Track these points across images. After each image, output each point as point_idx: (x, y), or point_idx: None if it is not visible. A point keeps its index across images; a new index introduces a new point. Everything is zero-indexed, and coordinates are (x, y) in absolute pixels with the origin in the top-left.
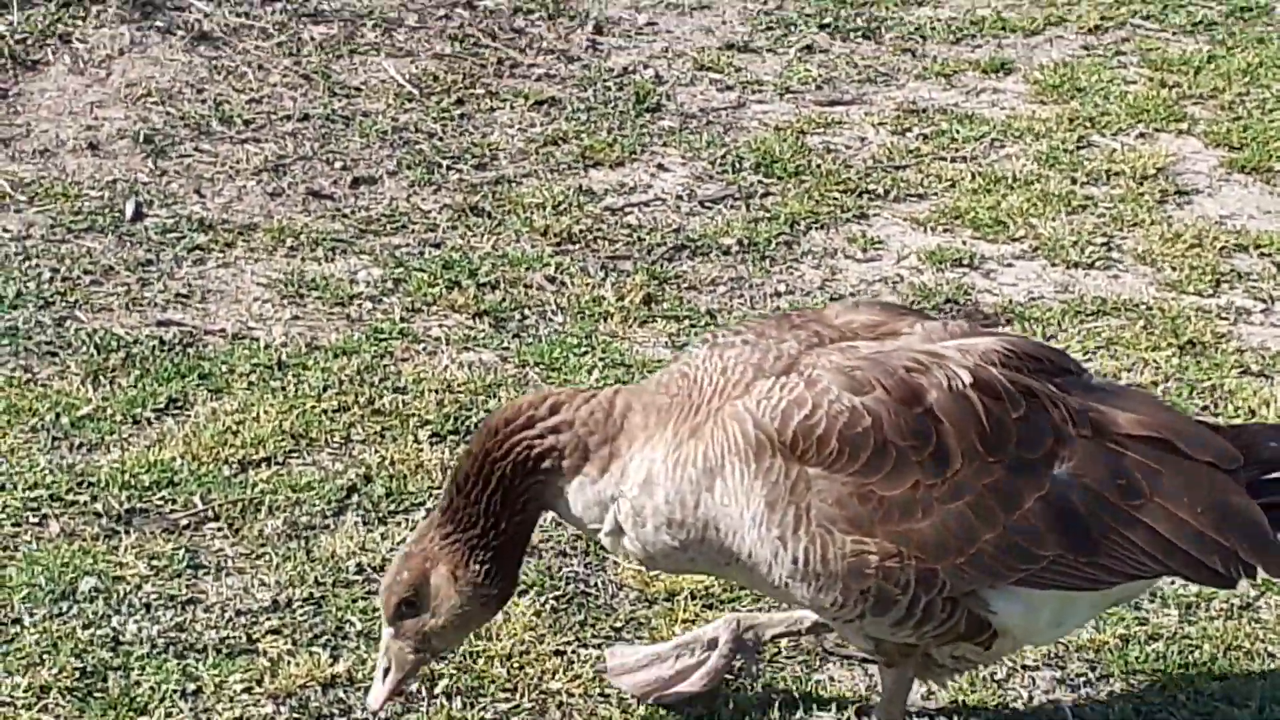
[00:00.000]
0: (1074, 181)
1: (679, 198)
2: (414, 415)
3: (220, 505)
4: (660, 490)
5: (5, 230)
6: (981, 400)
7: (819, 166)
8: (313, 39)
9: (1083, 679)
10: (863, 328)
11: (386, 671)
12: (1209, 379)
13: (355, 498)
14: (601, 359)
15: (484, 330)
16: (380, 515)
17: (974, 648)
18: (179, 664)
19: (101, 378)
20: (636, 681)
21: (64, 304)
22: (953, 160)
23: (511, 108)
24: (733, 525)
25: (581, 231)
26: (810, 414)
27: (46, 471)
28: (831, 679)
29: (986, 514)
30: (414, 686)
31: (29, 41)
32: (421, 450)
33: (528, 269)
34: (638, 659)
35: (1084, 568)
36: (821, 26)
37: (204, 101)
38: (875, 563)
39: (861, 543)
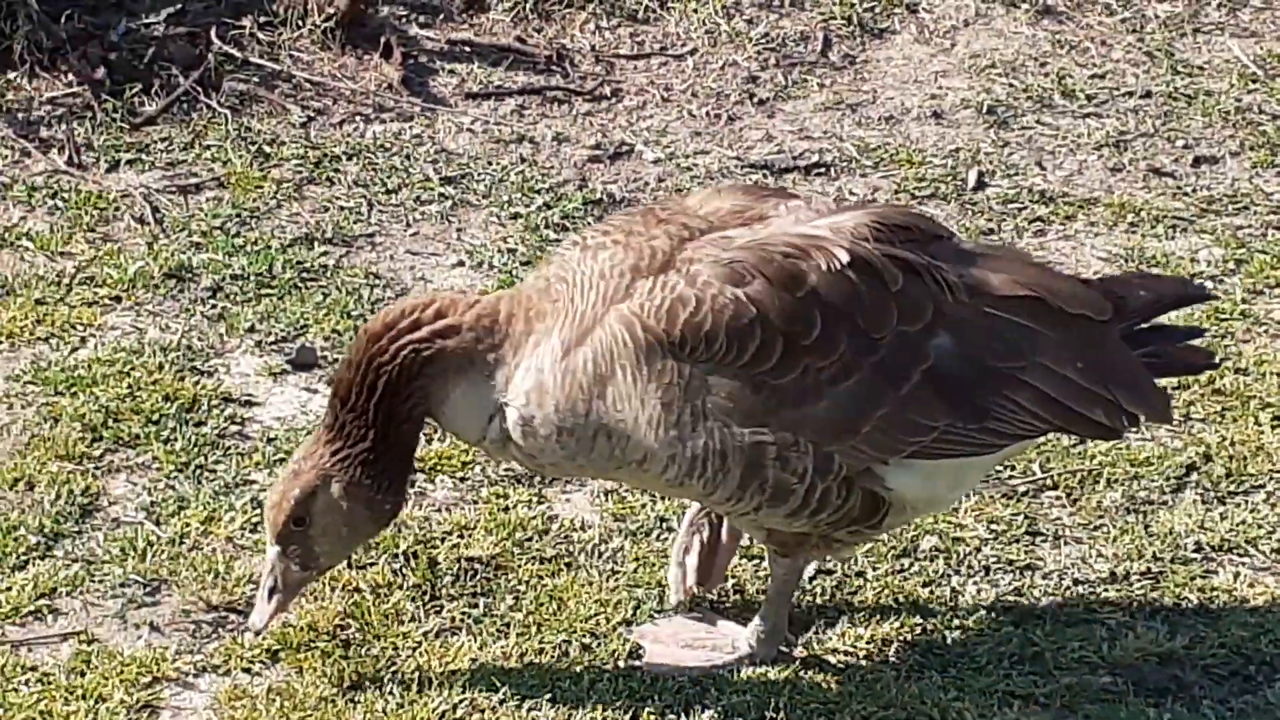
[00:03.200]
0: None
1: None
2: (1255, 397)
3: (1059, 475)
4: (550, 399)
5: (852, 193)
6: (861, 278)
7: None
8: (1156, 16)
9: None
10: (729, 215)
11: (272, 591)
12: None
13: (1194, 475)
14: None
15: None
16: (1219, 495)
17: (870, 527)
18: (1016, 629)
19: None
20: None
21: None
22: None
23: None
24: (627, 430)
25: None
26: (695, 311)
27: None
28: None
29: (875, 391)
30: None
31: (877, 10)
32: (1263, 433)
33: None
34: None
35: (975, 434)
36: None
37: (1046, 75)
38: (774, 453)
39: (759, 433)
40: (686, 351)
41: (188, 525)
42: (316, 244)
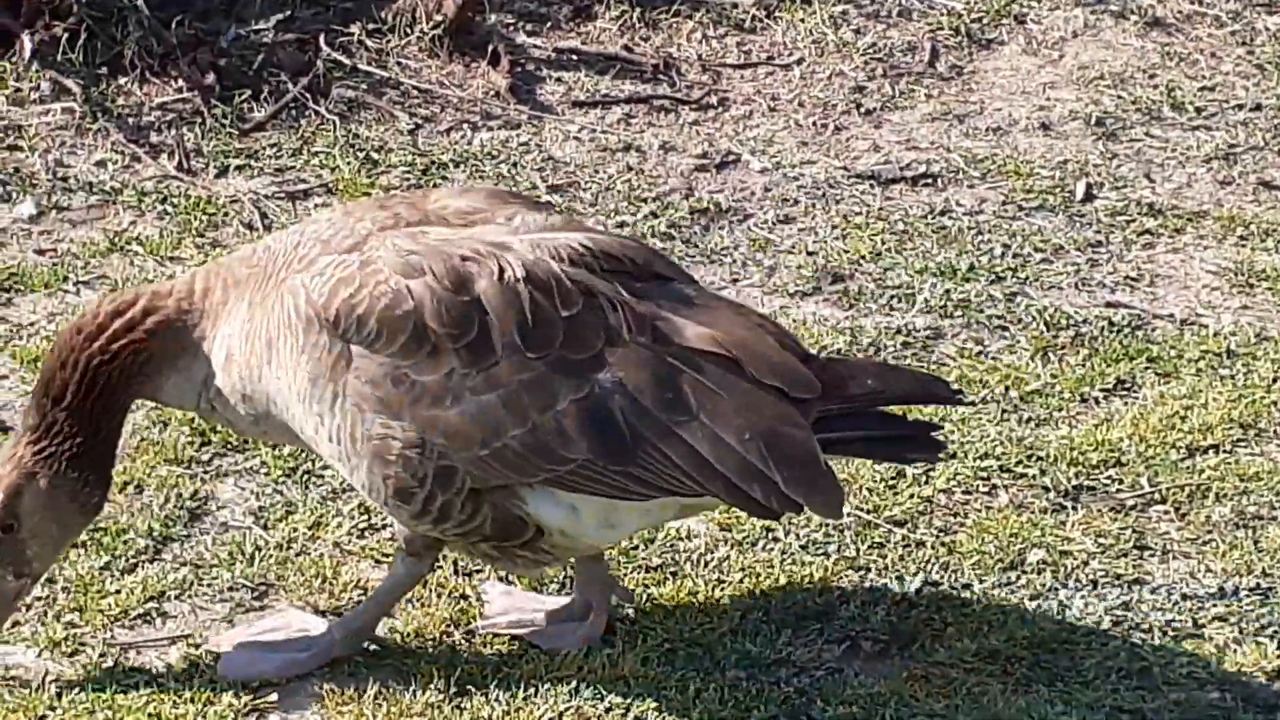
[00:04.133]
0: None
1: None
2: None
3: (1167, 488)
4: (235, 365)
5: (959, 204)
6: (532, 294)
7: None
8: (1267, 29)
9: None
10: (454, 214)
11: None
12: None
13: None
14: None
15: None
16: None
17: (520, 548)
18: (1124, 644)
19: (1050, 354)
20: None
21: (1014, 280)
22: None
23: None
24: (285, 400)
25: None
26: (355, 293)
27: (996, 442)
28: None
29: (517, 409)
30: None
31: (985, 21)
32: None
33: None
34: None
35: (615, 475)
36: None
37: (1155, 87)
38: (398, 449)
39: (388, 426)
40: (339, 330)
41: (295, 530)
42: None
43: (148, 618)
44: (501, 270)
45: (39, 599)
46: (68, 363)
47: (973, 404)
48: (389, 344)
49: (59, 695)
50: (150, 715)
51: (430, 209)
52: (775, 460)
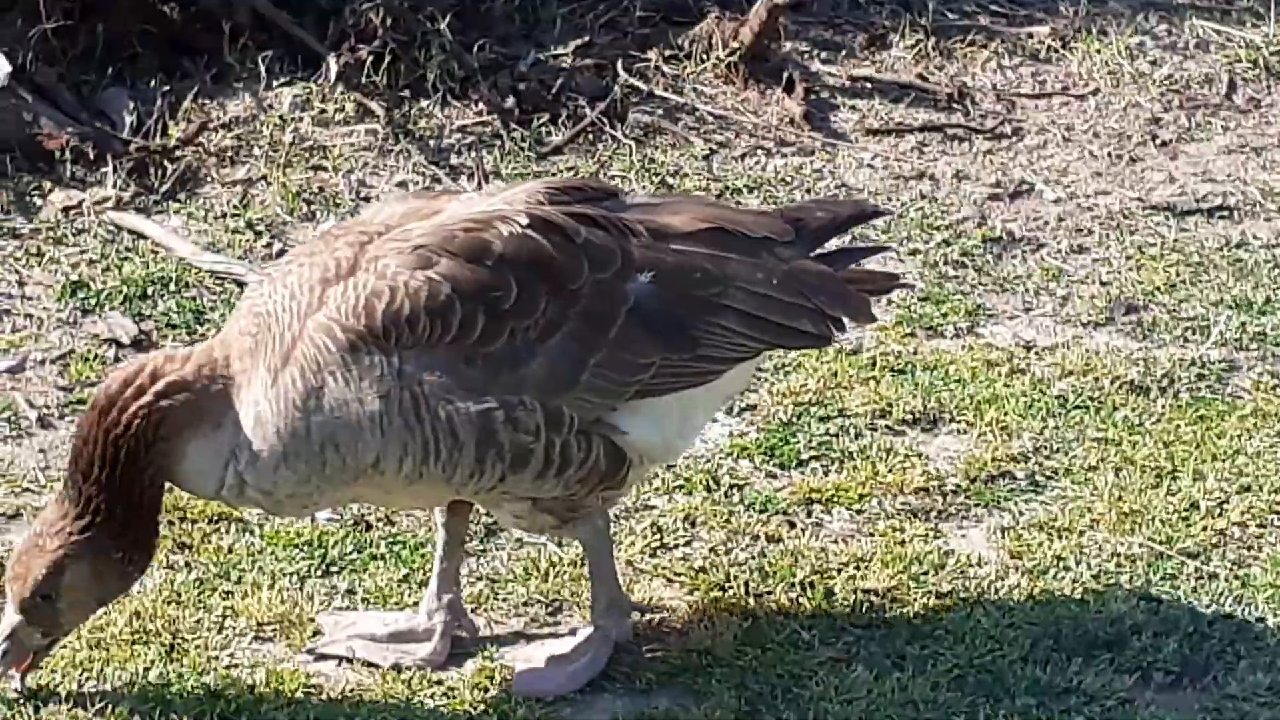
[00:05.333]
0: None
1: None
2: None
3: None
4: (270, 428)
5: (1255, 237)
6: (545, 236)
7: None
8: None
9: None
10: (403, 217)
11: (5, 653)
12: None
13: None
14: None
15: None
16: None
17: (614, 487)
18: None
19: None
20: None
21: None
22: None
23: None
24: (353, 435)
25: None
26: (391, 300)
27: None
28: None
29: (586, 340)
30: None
31: None
32: None
33: None
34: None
35: (691, 363)
36: None
37: None
38: (502, 417)
39: (483, 402)
40: (392, 341)
41: None
42: None
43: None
44: (507, 227)
45: (339, 610)
46: (88, 438)
47: (890, 213)
48: (445, 332)
49: (357, 703)
50: None
51: (380, 221)
52: (807, 291)
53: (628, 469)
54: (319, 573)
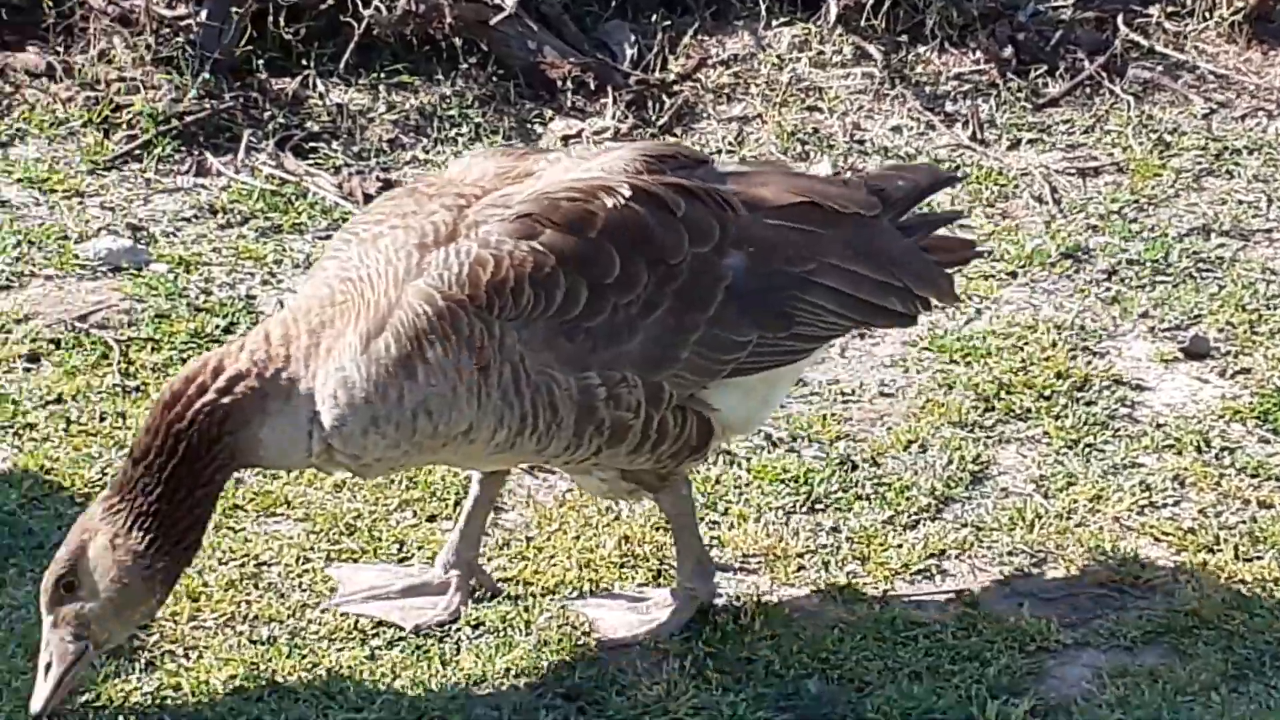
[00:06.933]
0: None
1: None
2: None
3: None
4: (359, 393)
5: None
6: (647, 209)
7: None
8: None
9: None
10: (495, 178)
11: (49, 668)
12: None
13: None
14: None
15: None
16: None
17: (697, 455)
18: None
19: None
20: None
21: None
22: None
23: None
24: (447, 403)
25: None
26: (496, 270)
27: None
28: None
29: (685, 317)
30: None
31: None
32: None
33: None
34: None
35: (784, 341)
36: None
37: None
38: (604, 394)
39: (585, 377)
40: (494, 312)
41: (1075, 501)
42: (1213, 235)
43: (928, 574)
44: (610, 198)
45: (823, 547)
46: (152, 428)
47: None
48: (548, 305)
49: (840, 639)
50: (928, 670)
51: (472, 182)
52: (896, 270)
53: (709, 440)
54: (804, 509)
